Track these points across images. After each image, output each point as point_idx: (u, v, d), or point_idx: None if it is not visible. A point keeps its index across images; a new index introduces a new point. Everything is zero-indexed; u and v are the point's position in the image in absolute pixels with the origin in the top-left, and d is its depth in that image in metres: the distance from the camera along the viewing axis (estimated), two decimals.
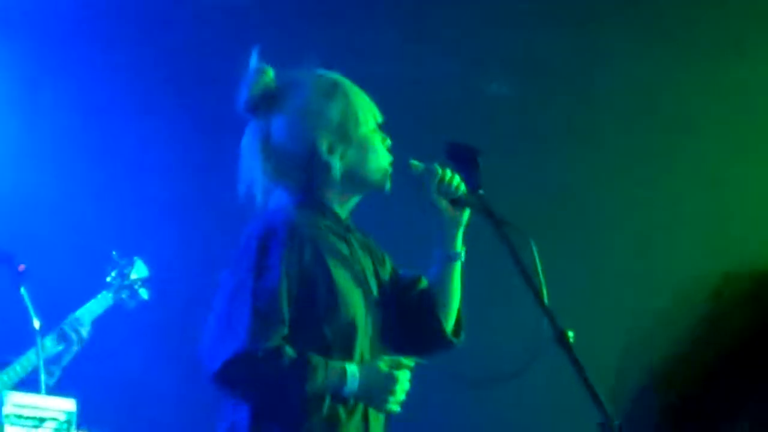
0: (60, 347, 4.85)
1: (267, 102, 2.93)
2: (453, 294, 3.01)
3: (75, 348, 4.88)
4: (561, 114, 5.69)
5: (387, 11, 5.70)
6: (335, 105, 2.92)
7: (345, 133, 2.91)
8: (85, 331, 4.91)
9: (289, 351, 2.73)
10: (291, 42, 4.55)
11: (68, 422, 4.07)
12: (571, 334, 2.57)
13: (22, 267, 4.42)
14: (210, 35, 5.75)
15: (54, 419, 4.05)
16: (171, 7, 5.78)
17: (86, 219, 5.91)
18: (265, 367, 2.71)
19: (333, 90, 2.93)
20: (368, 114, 2.94)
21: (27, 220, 5.71)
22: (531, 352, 2.70)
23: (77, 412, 4.09)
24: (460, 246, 3.01)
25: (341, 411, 2.78)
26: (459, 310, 3.03)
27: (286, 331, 2.75)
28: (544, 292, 2.68)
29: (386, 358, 2.83)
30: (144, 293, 5.20)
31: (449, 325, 3.01)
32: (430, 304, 3.00)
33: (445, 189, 2.93)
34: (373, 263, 3.00)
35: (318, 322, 2.80)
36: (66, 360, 4.88)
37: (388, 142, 2.96)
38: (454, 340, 3.02)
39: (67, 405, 4.10)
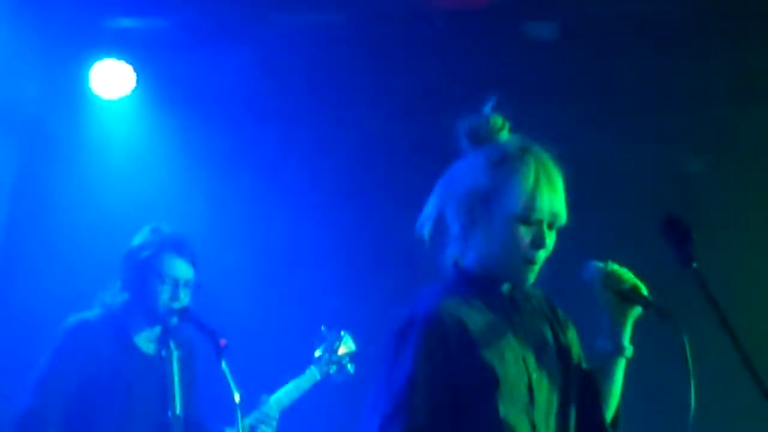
0: None
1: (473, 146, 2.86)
2: (614, 388, 2.89)
3: None
4: (757, 191, 5.77)
5: (579, 90, 5.78)
6: (492, 174, 2.77)
7: (484, 205, 2.76)
8: (275, 422, 4.87)
9: None
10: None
11: None
12: None
13: (223, 342, 4.45)
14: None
15: None
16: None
17: (293, 293, 6.00)
18: None
19: (502, 161, 2.77)
20: (524, 200, 2.72)
21: (231, 295, 5.76)
22: None
23: None
24: (627, 341, 2.88)
25: None
26: (618, 406, 2.91)
27: (421, 421, 2.61)
28: (693, 390, 2.66)
29: None
30: (351, 367, 5.13)
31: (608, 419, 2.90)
32: (594, 394, 2.87)
33: (613, 282, 2.83)
34: (553, 328, 2.87)
35: (479, 408, 2.66)
36: None
37: (541, 240, 2.73)
38: None
39: None
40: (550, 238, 2.76)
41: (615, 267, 2.84)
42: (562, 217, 2.76)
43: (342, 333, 5.18)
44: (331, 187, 6.18)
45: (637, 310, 2.87)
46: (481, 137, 2.82)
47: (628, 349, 2.89)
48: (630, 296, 2.83)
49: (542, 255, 2.76)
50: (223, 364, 4.39)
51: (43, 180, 5.98)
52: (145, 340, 4.78)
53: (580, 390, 2.85)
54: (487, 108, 2.85)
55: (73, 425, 4.60)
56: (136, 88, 6.00)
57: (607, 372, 2.89)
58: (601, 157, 5.43)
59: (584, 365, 2.92)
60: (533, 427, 2.70)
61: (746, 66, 5.63)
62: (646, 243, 3.11)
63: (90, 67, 5.99)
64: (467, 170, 2.80)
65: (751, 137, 5.71)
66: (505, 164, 2.76)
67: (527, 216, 2.72)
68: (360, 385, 5.06)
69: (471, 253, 2.80)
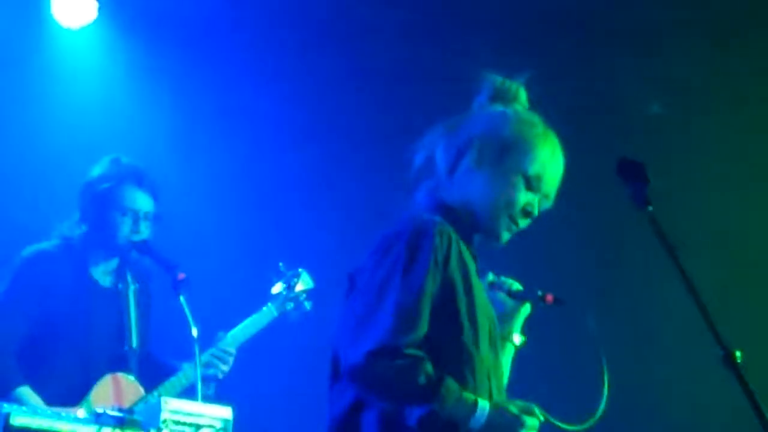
0: (210, 371, 4.76)
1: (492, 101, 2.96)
2: (506, 368, 3.02)
3: (222, 374, 4.81)
4: (713, 133, 5.73)
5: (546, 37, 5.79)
6: (520, 129, 2.87)
7: (499, 151, 2.85)
8: (231, 358, 4.82)
9: (429, 367, 2.67)
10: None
11: (224, 429, 4.12)
12: (738, 354, 2.47)
13: (182, 276, 4.41)
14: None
15: (210, 426, 4.10)
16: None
17: (252, 230, 5.94)
18: (402, 368, 2.65)
19: (534, 124, 2.89)
20: (539, 166, 2.84)
21: (192, 231, 5.70)
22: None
23: (234, 420, 4.15)
24: (518, 333, 3.05)
25: None
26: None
27: (425, 329, 2.70)
28: (605, 365, 2.77)
29: (519, 402, 2.75)
30: (308, 305, 5.13)
31: None
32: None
33: (498, 287, 3.01)
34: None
35: (454, 327, 2.75)
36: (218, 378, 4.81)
37: (533, 208, 2.85)
38: None
39: (224, 412, 4.16)
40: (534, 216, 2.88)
41: (492, 278, 3.01)
42: (549, 203, 2.89)
43: (300, 270, 5.16)
44: (298, 120, 6.14)
45: (526, 309, 3.05)
46: (504, 99, 2.93)
47: (520, 341, 3.06)
48: (519, 295, 3.02)
49: (522, 224, 2.86)
50: (182, 298, 4.37)
51: (2, 109, 5.89)
52: (102, 273, 4.76)
53: None
54: (522, 78, 2.96)
55: (28, 357, 4.58)
56: (98, 16, 5.92)
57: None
58: (561, 97, 5.46)
59: None
60: (488, 376, 2.80)
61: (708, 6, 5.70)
62: (605, 185, 3.12)
63: None
64: (491, 117, 2.89)
65: (710, 80, 5.76)
66: (536, 128, 2.87)
67: (533, 181, 2.83)
68: (317, 322, 5.08)
69: (456, 192, 2.87)
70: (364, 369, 2.65)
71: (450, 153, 2.88)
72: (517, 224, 2.85)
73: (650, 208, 2.66)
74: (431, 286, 2.71)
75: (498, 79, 2.95)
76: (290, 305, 5.09)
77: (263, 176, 6.15)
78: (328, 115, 6.13)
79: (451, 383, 2.67)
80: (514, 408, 2.71)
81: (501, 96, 2.93)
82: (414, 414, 2.66)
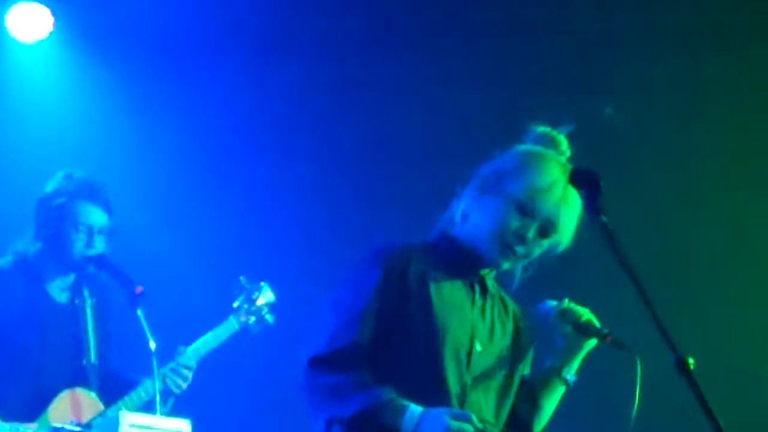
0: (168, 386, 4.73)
1: None
2: (548, 405, 3.06)
3: (179, 389, 4.76)
4: (673, 139, 5.71)
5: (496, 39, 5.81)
6: (522, 159, 2.94)
7: (498, 179, 2.92)
8: (190, 373, 4.78)
9: (364, 375, 2.78)
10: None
11: None
12: (691, 361, 2.45)
13: (139, 289, 4.37)
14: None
15: None
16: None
17: (212, 243, 5.91)
18: (338, 374, 2.77)
19: (539, 156, 2.94)
20: (532, 191, 2.87)
21: (151, 244, 5.67)
22: None
23: None
24: (573, 372, 3.04)
25: None
26: (545, 424, 3.08)
27: (366, 339, 2.79)
28: (635, 412, 2.78)
29: (457, 411, 2.78)
30: (270, 318, 5.11)
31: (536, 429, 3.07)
32: (531, 401, 3.06)
33: (569, 317, 2.99)
34: (513, 332, 3.02)
35: (403, 341, 2.83)
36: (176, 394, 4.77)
37: (525, 231, 2.88)
38: None
39: (182, 425, 4.14)
40: (537, 245, 2.91)
41: (570, 304, 3.01)
42: (558, 237, 2.91)
43: (261, 284, 5.16)
44: (256, 132, 6.13)
45: (591, 343, 3.02)
46: (545, 143, 2.99)
47: (572, 379, 3.05)
48: (586, 329, 2.98)
49: (520, 251, 2.89)
50: (139, 312, 4.33)
51: None
52: (58, 289, 4.72)
53: (520, 392, 3.04)
54: (565, 130, 3.01)
55: None
56: (53, 31, 5.88)
57: (547, 390, 3.05)
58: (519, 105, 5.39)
59: (527, 371, 3.10)
60: (463, 388, 2.86)
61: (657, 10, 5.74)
62: None
63: (6, 10, 5.85)
64: (506, 154, 2.98)
65: (666, 83, 5.77)
66: (538, 158, 2.92)
67: (525, 205, 2.86)
68: (279, 335, 5.10)
69: (462, 225, 2.95)
70: (305, 376, 2.80)
71: (464, 198, 2.98)
72: (513, 251, 2.89)
73: (603, 218, 2.64)
74: (378, 301, 2.82)
75: (540, 128, 3.03)
76: (252, 319, 5.08)
77: (224, 189, 6.13)
78: (289, 127, 6.13)
79: (385, 391, 2.76)
80: (448, 418, 2.73)
81: (539, 142, 2.99)
82: (345, 416, 2.75)
